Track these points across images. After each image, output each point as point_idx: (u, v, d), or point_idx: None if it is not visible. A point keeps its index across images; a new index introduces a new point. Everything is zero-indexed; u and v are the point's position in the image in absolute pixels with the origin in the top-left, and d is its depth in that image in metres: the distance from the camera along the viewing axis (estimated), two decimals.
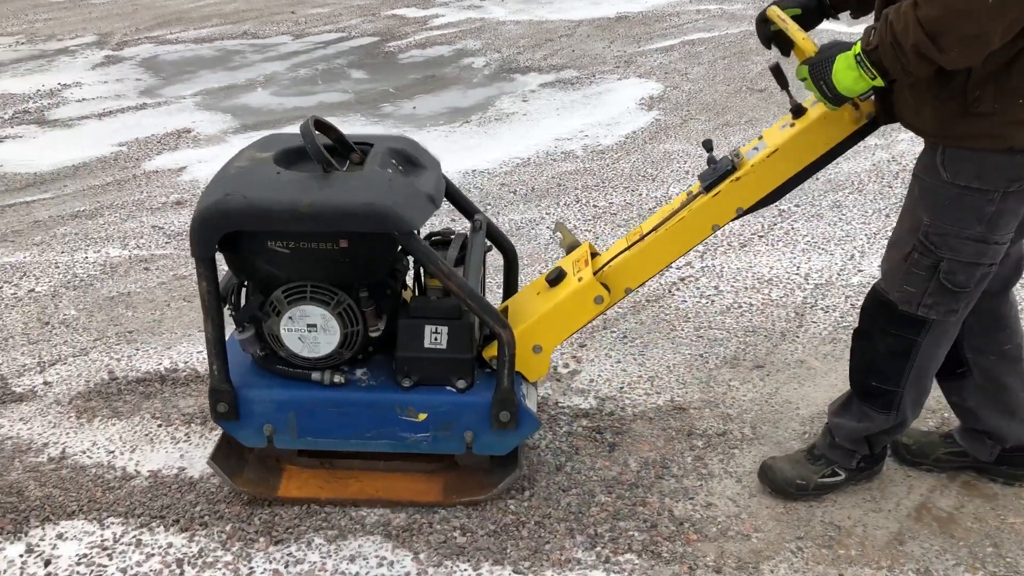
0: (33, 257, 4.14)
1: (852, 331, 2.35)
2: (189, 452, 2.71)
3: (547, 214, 4.47)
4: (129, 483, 2.58)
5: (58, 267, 4.02)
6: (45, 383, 3.11)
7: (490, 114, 6.24)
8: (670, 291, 3.66)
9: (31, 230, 4.47)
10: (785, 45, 2.25)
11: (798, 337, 3.29)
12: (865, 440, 2.38)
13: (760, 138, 2.33)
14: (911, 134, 2.27)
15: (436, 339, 2.30)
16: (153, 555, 2.30)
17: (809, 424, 2.78)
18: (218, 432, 2.58)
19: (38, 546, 2.35)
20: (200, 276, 2.22)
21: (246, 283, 2.41)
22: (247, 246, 2.24)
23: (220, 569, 2.25)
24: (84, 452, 2.72)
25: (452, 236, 2.59)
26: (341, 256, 2.22)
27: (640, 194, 4.72)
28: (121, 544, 2.34)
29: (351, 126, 6.02)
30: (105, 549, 2.32)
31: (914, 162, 2.16)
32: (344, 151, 2.41)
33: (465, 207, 2.67)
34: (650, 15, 9.24)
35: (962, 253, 2.05)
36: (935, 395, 2.49)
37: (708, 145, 2.32)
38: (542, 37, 8.49)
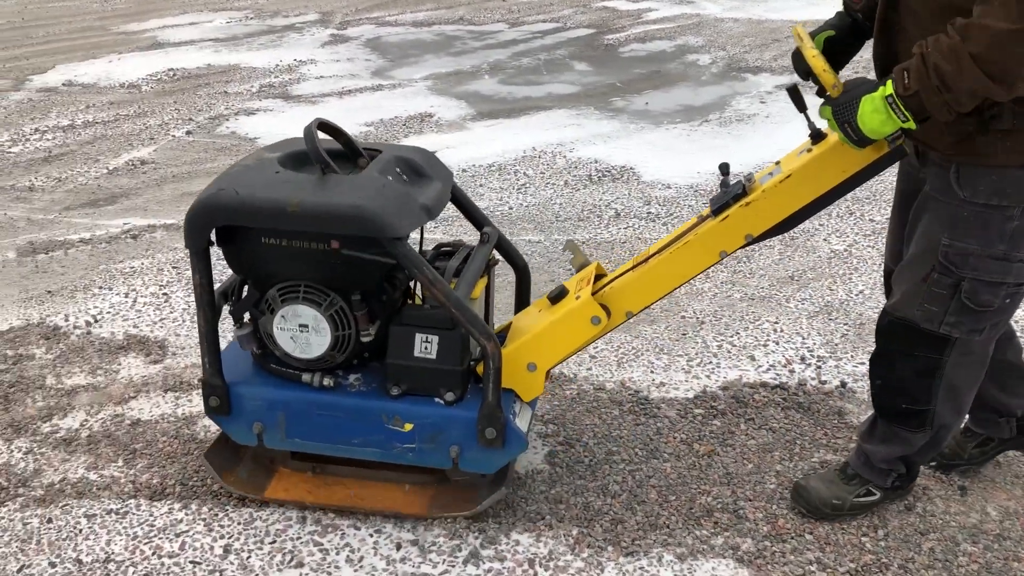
0: None
1: (870, 357, 2.24)
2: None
3: (820, 225, 4.26)
4: None
5: None
6: None
7: (728, 114, 6.05)
8: None
9: None
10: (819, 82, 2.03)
11: None
12: (901, 460, 2.32)
13: (777, 163, 2.19)
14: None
15: (426, 348, 2.25)
16: (503, 552, 2.28)
17: None
18: None
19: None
20: (193, 268, 2.23)
21: (247, 281, 2.39)
22: (243, 242, 2.25)
23: (573, 574, 2.21)
24: None
25: (459, 248, 2.51)
26: (333, 257, 2.20)
27: None
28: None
29: (585, 120, 5.97)
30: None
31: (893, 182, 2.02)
32: (352, 156, 2.38)
33: (476, 219, 2.61)
34: None
35: (985, 272, 1.99)
36: None
37: (724, 168, 2.19)
38: (767, 37, 8.20)
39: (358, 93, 6.66)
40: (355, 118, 6.04)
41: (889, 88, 1.82)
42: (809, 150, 2.11)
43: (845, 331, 3.31)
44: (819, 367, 3.09)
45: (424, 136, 5.68)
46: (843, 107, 1.89)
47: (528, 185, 4.84)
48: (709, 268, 2.22)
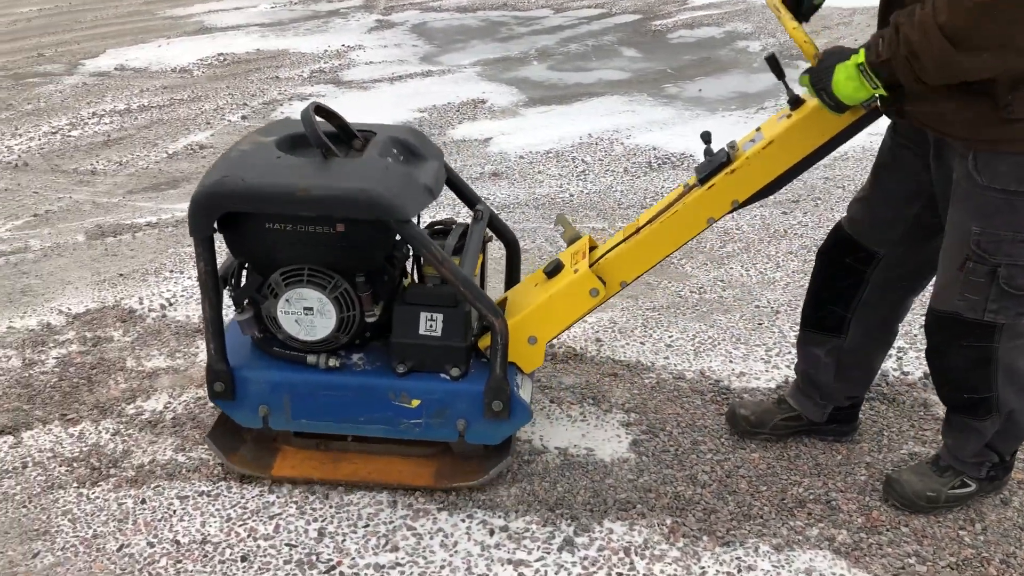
0: None
1: (924, 353, 2.27)
2: (590, 432, 2.68)
3: None
4: (541, 458, 2.58)
5: None
6: None
7: (784, 101, 5.97)
8: None
9: None
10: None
11: None
12: (988, 448, 2.29)
13: (758, 130, 2.26)
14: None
15: (431, 326, 2.30)
16: (596, 540, 2.28)
17: None
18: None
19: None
20: (198, 256, 2.25)
21: (246, 265, 2.40)
22: (246, 227, 2.25)
23: (670, 563, 2.20)
24: None
25: (454, 226, 2.56)
26: (338, 241, 2.22)
27: None
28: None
29: (639, 106, 5.93)
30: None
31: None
32: (347, 138, 2.41)
33: (468, 197, 2.66)
34: None
35: (1019, 257, 2.00)
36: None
37: (706, 137, 2.28)
38: (816, 24, 8.07)
39: (408, 79, 6.66)
40: (407, 104, 6.04)
41: (861, 57, 1.89)
42: (788, 116, 2.17)
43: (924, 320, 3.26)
44: (900, 358, 3.05)
45: (478, 123, 5.66)
46: (819, 74, 1.96)
47: (587, 172, 4.81)
48: (698, 235, 2.30)
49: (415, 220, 2.25)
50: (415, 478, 2.44)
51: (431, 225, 2.61)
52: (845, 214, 2.43)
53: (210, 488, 2.47)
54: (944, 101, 1.93)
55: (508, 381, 2.28)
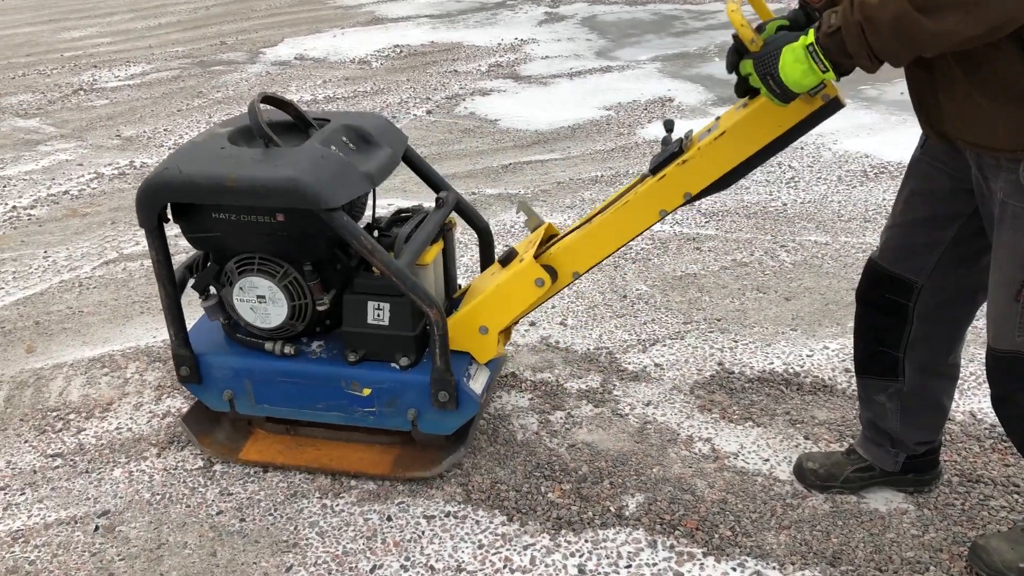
0: (568, 222, 4.12)
1: (991, 401, 2.00)
2: None
3: None
4: (806, 503, 2.36)
5: None
6: (656, 365, 3.00)
7: None
8: None
9: (558, 191, 4.49)
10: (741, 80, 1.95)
11: None
12: None
13: (717, 119, 2.16)
14: None
15: (379, 315, 2.31)
16: None
17: None
18: None
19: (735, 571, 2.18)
20: (149, 245, 2.30)
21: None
22: (196, 217, 2.28)
23: None
24: (736, 455, 2.55)
25: (415, 213, 2.52)
26: (280, 229, 2.25)
27: None
28: None
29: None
30: None
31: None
32: (304, 128, 2.41)
33: (434, 182, 2.63)
34: None
35: None
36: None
37: (668, 125, 2.20)
38: None
39: (588, 75, 6.48)
40: (591, 101, 5.87)
41: (811, 37, 1.73)
42: (745, 105, 2.05)
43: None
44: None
45: None
46: (764, 59, 1.82)
47: (797, 179, 4.52)
48: (651, 227, 2.23)
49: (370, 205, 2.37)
50: (374, 466, 2.46)
51: (397, 212, 2.59)
52: (876, 247, 2.19)
53: (456, 509, 2.36)
54: (988, 106, 1.72)
55: (452, 372, 2.27)
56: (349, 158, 2.27)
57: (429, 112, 5.75)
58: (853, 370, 2.88)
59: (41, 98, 6.39)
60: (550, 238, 2.44)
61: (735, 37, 1.92)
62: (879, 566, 2.14)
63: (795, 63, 1.76)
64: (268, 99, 2.36)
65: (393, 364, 2.34)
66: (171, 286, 2.36)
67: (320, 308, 2.36)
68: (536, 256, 2.30)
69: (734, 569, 2.15)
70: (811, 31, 1.74)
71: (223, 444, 2.56)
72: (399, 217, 2.57)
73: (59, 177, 4.88)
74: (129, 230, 4.18)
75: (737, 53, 1.93)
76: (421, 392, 2.32)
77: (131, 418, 2.79)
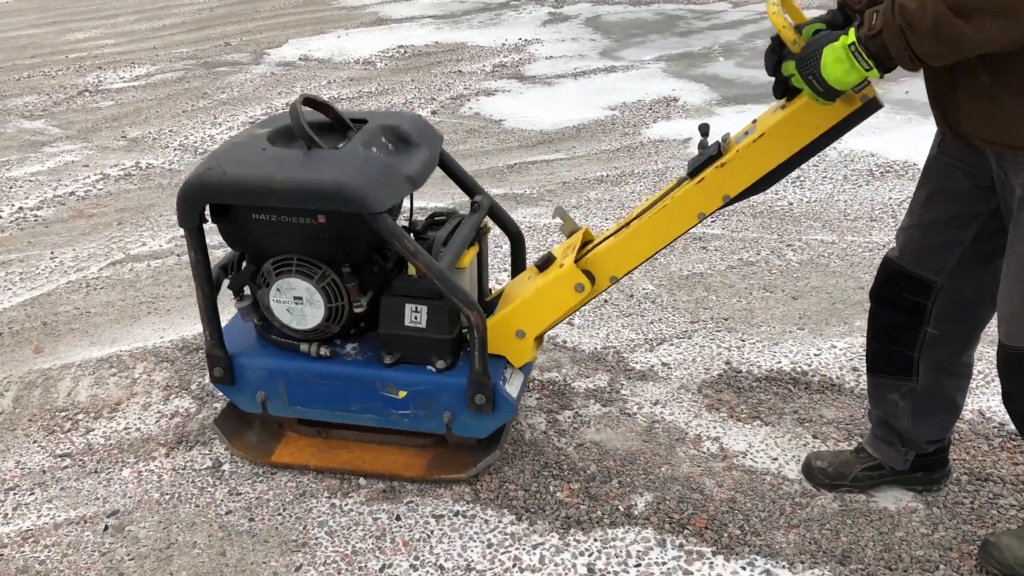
0: (576, 221, 4.12)
1: (1002, 398, 1.98)
2: None
3: None
4: (815, 502, 2.36)
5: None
6: (663, 364, 3.00)
7: None
8: None
9: (563, 191, 4.49)
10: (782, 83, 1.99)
11: None
12: None
13: (753, 122, 2.16)
14: None
15: (416, 318, 2.30)
16: None
17: None
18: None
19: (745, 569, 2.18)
20: (188, 246, 2.29)
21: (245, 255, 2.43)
22: (236, 218, 2.28)
23: None
24: (744, 454, 2.55)
25: (451, 217, 2.52)
26: (321, 232, 2.25)
27: None
28: None
29: None
30: None
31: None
32: (342, 129, 2.40)
33: (468, 186, 2.62)
34: None
35: None
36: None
37: (704, 129, 2.20)
38: None
39: (592, 75, 6.48)
40: (595, 101, 5.87)
41: (851, 36, 1.75)
42: (783, 107, 2.05)
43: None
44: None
45: (673, 122, 5.44)
46: (806, 60, 1.83)
47: (803, 178, 4.52)
48: (689, 230, 2.23)
49: (408, 207, 2.31)
50: (407, 469, 2.45)
51: (432, 216, 2.58)
52: (893, 246, 2.19)
53: (464, 508, 2.36)
54: (1011, 105, 1.73)
55: (490, 375, 2.26)
56: (390, 160, 2.27)
57: (434, 112, 5.75)
58: (862, 368, 2.89)
59: (46, 99, 6.40)
60: (586, 243, 2.43)
61: (774, 39, 1.93)
62: (889, 565, 2.14)
63: (835, 63, 1.78)
64: (309, 101, 2.34)
65: (429, 367, 2.33)
66: (208, 286, 2.34)
67: (357, 310, 2.34)
68: (575, 261, 2.30)
69: (743, 568, 2.15)
70: (851, 31, 1.76)
71: (255, 447, 2.55)
72: (434, 220, 2.57)
73: (65, 178, 4.89)
74: (135, 231, 4.19)
75: (775, 55, 1.94)
76: (457, 395, 2.31)
77: (139, 418, 2.80)
